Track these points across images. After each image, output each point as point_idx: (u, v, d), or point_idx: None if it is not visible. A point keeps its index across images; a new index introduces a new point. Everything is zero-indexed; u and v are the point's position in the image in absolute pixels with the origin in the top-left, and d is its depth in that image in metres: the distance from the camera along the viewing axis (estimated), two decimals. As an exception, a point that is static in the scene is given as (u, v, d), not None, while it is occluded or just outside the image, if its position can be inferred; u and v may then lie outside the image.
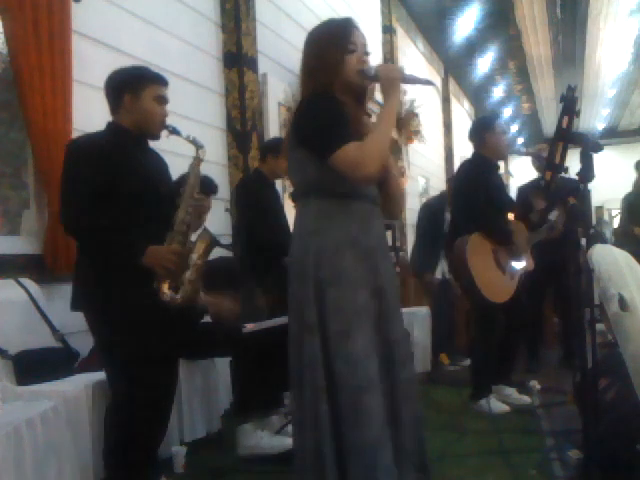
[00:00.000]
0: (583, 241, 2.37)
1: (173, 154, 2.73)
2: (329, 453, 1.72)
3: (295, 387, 1.84)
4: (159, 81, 2.35)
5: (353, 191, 1.84)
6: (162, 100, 2.34)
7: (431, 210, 5.30)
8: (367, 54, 1.91)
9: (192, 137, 2.37)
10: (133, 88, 2.28)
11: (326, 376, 1.75)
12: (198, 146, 2.37)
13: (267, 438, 2.84)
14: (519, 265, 3.54)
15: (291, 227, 3.76)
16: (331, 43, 1.88)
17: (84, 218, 2.15)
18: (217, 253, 3.08)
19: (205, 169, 3.09)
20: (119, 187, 2.18)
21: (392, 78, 1.83)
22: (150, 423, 2.24)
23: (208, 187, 3.07)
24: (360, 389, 1.73)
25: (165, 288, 2.19)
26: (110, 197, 2.16)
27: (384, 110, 1.83)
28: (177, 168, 2.58)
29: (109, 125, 2.34)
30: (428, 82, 1.95)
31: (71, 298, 2.25)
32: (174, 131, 2.36)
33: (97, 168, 2.15)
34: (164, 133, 2.37)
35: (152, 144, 2.43)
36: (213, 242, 2.38)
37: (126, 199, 2.19)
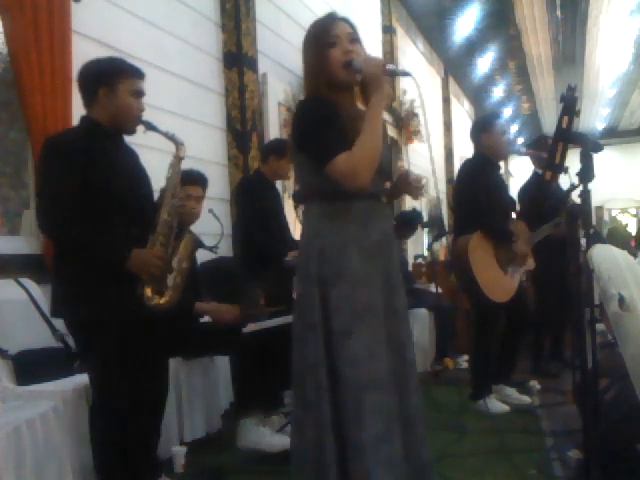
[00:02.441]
0: (583, 241, 2.38)
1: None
2: (330, 453, 1.72)
3: (297, 386, 1.84)
4: (136, 74, 2.21)
5: (353, 191, 1.81)
6: (138, 94, 2.20)
7: None
8: (354, 41, 1.83)
9: (171, 133, 2.25)
10: (109, 81, 2.15)
11: (329, 376, 1.75)
12: (178, 143, 2.25)
13: (268, 435, 2.83)
14: (520, 265, 3.54)
15: (292, 227, 3.81)
16: (311, 43, 1.85)
17: (66, 222, 2.04)
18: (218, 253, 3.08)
19: (205, 169, 3.11)
20: (98, 187, 2.07)
21: (373, 74, 1.76)
22: (131, 430, 2.14)
23: (200, 179, 3.01)
24: (362, 388, 1.74)
25: (149, 292, 2.11)
26: (89, 198, 2.06)
27: (369, 110, 1.78)
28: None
29: (83, 120, 2.23)
30: (405, 73, 1.86)
31: (50, 305, 2.16)
32: (150, 127, 2.23)
33: (75, 167, 2.04)
34: (140, 128, 2.25)
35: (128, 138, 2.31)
36: (197, 244, 2.31)
37: (106, 199, 2.08)
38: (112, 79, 2.15)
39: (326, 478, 1.72)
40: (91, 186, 2.06)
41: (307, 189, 1.91)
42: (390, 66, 1.82)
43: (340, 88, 1.85)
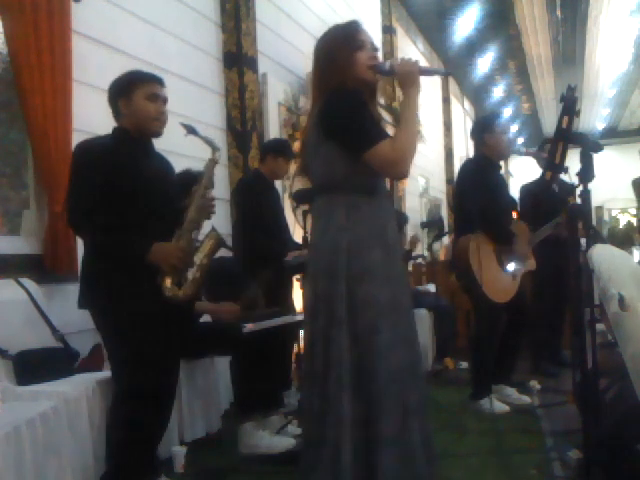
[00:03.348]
0: (583, 241, 2.38)
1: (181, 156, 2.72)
2: (347, 451, 1.75)
3: (317, 383, 1.86)
4: (149, 79, 2.35)
5: (377, 186, 1.90)
6: (155, 97, 2.33)
7: None
8: (375, 50, 1.96)
9: (210, 138, 2.40)
10: (125, 92, 2.30)
11: (352, 372, 1.79)
12: (215, 148, 2.39)
13: (267, 438, 2.84)
14: (520, 265, 3.54)
15: (291, 227, 3.81)
16: (339, 43, 1.94)
17: (90, 218, 2.18)
18: (219, 253, 3.08)
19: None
20: (123, 187, 2.21)
21: (409, 72, 1.86)
22: (151, 419, 2.25)
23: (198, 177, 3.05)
24: (385, 383, 1.77)
25: (168, 283, 2.21)
26: (115, 196, 2.19)
27: (407, 105, 1.87)
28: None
29: (114, 130, 2.37)
30: (446, 72, 2.02)
31: (78, 296, 2.27)
32: (192, 131, 2.37)
33: (103, 169, 2.18)
34: (182, 132, 2.38)
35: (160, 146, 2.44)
36: (220, 242, 2.39)
37: (130, 198, 2.22)
38: (127, 88, 2.31)
39: (342, 476, 1.74)
40: (118, 187, 2.20)
41: (331, 181, 1.92)
42: (425, 66, 1.96)
43: (360, 85, 1.93)
